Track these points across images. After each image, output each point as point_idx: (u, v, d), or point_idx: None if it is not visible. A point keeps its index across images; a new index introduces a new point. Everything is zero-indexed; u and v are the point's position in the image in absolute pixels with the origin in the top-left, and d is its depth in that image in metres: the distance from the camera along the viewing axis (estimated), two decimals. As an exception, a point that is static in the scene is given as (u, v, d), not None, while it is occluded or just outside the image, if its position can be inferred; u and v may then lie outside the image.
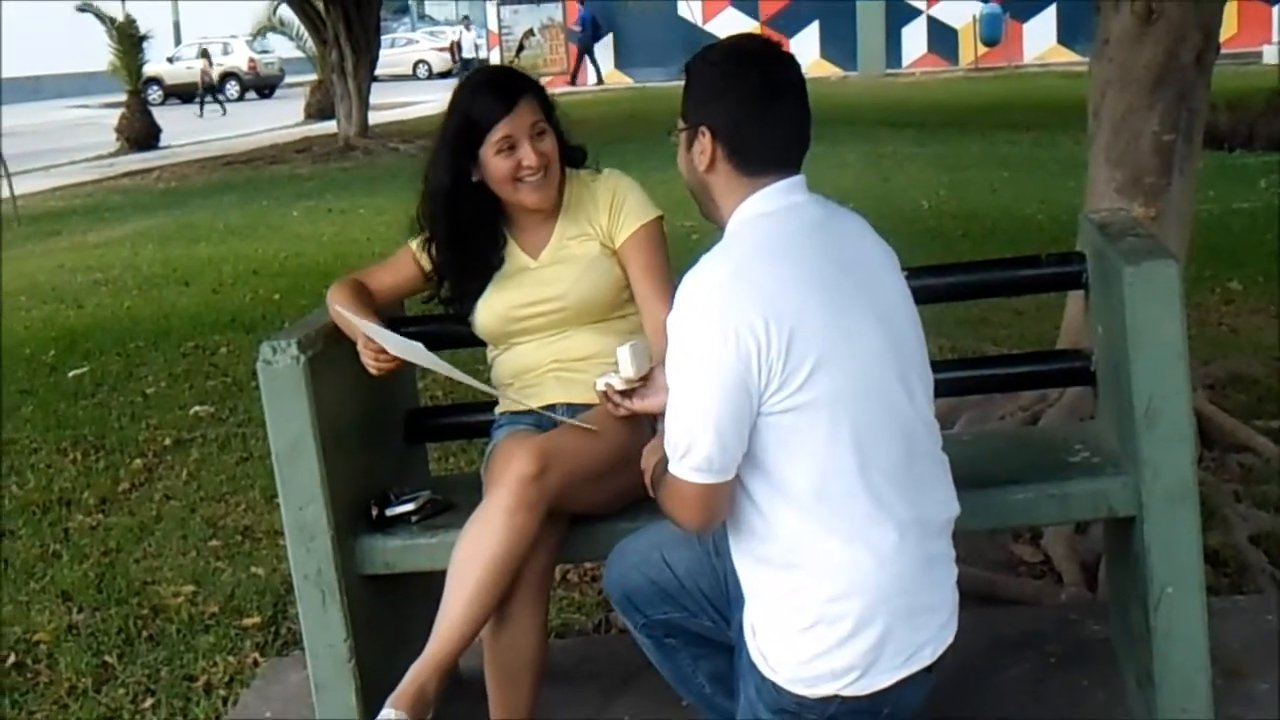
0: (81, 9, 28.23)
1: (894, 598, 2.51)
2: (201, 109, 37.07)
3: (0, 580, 5.01)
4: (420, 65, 48.60)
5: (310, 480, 3.12)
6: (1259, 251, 8.86)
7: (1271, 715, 3.30)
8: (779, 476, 2.50)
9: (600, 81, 36.75)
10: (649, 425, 3.13)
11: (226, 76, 44.93)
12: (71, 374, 8.08)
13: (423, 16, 62.92)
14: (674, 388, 2.51)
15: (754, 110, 2.56)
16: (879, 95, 26.28)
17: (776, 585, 2.55)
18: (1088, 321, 3.61)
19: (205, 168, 22.26)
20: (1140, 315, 2.95)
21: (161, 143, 27.96)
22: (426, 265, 3.44)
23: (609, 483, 3.15)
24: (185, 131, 30.01)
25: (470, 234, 3.38)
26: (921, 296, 2.73)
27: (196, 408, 7.09)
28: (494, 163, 3.26)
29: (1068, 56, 32.60)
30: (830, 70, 34.03)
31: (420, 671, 2.89)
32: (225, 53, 45.05)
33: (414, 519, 3.29)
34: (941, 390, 2.74)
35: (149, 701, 4.02)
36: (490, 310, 3.39)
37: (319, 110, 30.56)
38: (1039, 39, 34.92)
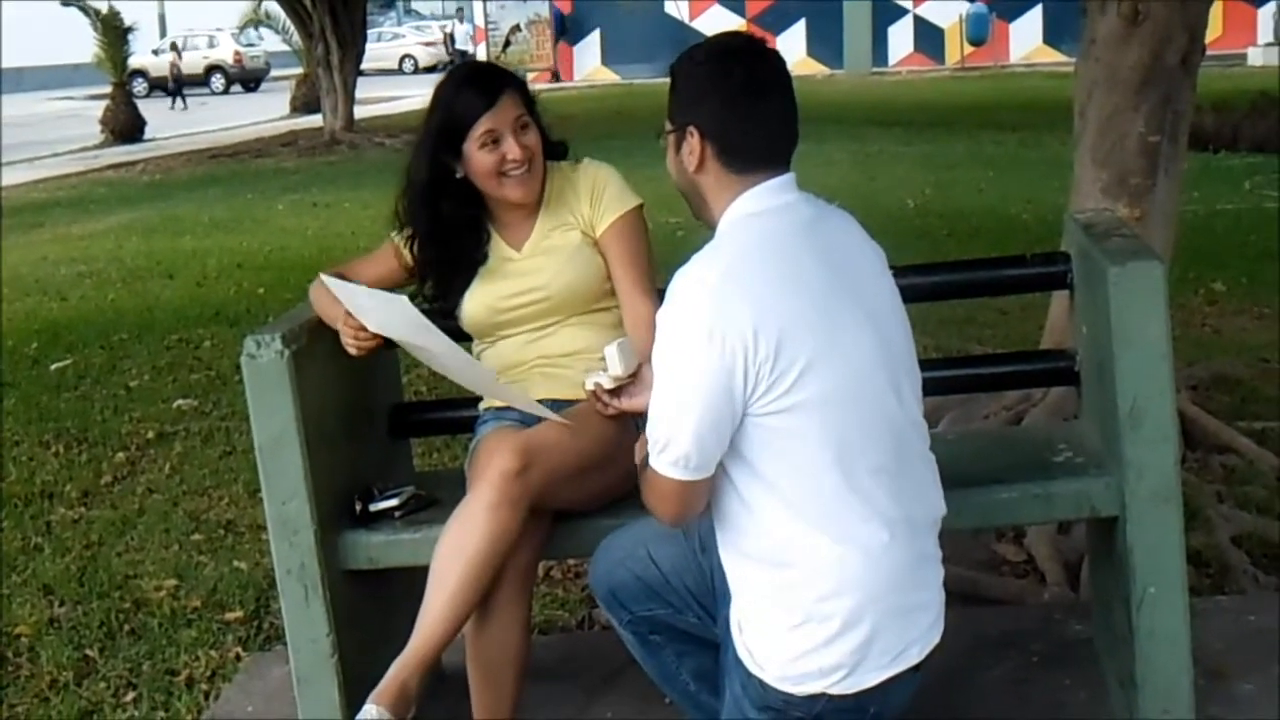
0: (66, 2, 28.14)
1: (883, 597, 2.52)
2: (173, 103, 36.92)
3: (-19, 573, 5.00)
4: (406, 60, 48.59)
5: (294, 475, 3.12)
6: (1243, 253, 8.90)
7: (1253, 716, 3.31)
8: (769, 476, 2.50)
9: (556, 79, 36.77)
10: (633, 422, 3.13)
11: (212, 69, 44.86)
12: (54, 367, 8.05)
13: (409, 11, 62.90)
14: (658, 382, 2.52)
15: (741, 108, 2.56)
16: (865, 94, 26.32)
17: (765, 583, 2.55)
18: (1072, 321, 3.61)
19: (190, 160, 22.21)
20: (1125, 316, 2.95)
21: (146, 135, 27.87)
22: (409, 260, 3.44)
23: (592, 479, 3.15)
24: (170, 124, 29.94)
25: (453, 229, 3.38)
26: (907, 295, 2.72)
27: (180, 401, 7.08)
28: (478, 157, 3.26)
29: (1054, 57, 32.70)
30: (816, 69, 34.08)
31: (402, 668, 2.88)
32: (211, 46, 44.98)
33: (397, 514, 3.28)
34: (926, 389, 2.74)
35: (130, 695, 4.01)
36: (475, 303, 3.39)
37: (304, 104, 30.50)
38: (1025, 39, 35.02)
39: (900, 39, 36.04)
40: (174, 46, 40.19)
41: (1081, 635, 3.75)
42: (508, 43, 37.70)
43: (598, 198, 3.36)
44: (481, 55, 36.27)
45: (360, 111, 24.97)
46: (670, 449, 2.49)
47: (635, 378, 2.95)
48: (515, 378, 3.39)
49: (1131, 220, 4.59)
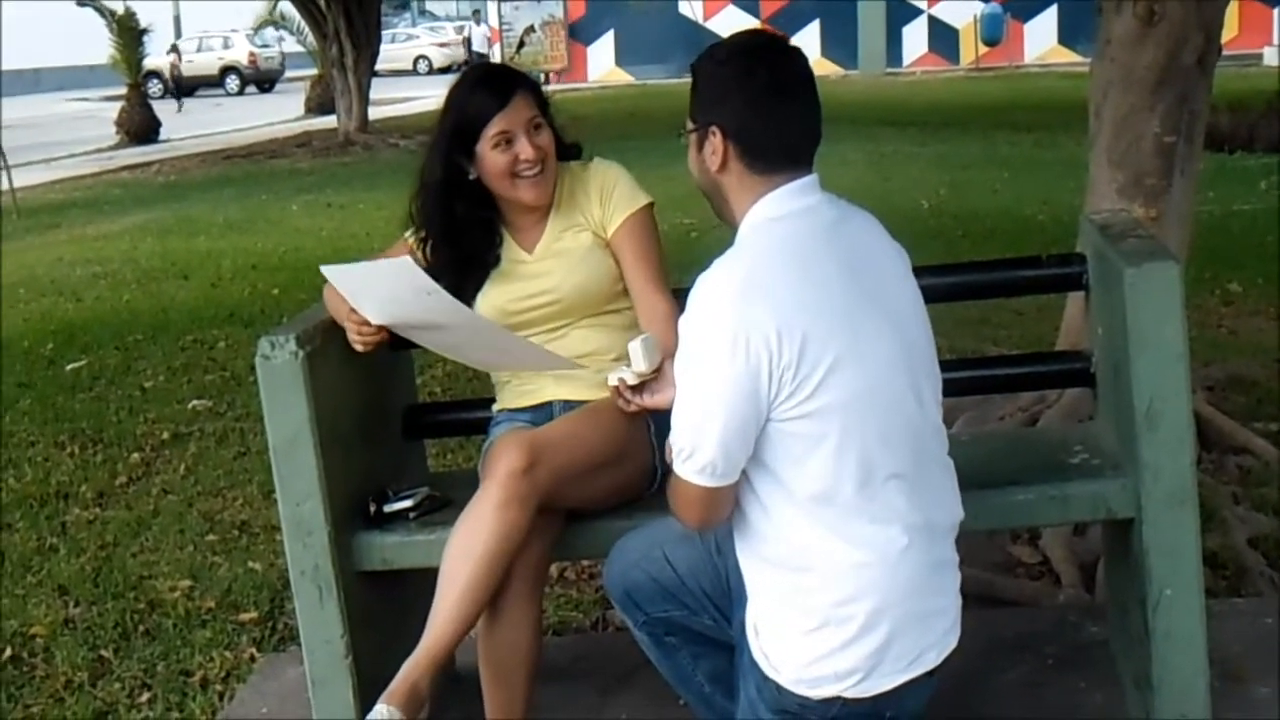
0: (82, 3, 28.20)
1: (900, 602, 2.51)
2: (179, 105, 36.95)
3: (-3, 573, 5.01)
4: (420, 61, 48.60)
5: (308, 476, 3.12)
6: (1259, 254, 8.86)
7: (1270, 718, 3.29)
8: (788, 480, 2.49)
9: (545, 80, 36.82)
10: (644, 420, 3.12)
11: (227, 70, 44.94)
12: (69, 367, 8.07)
13: (423, 12, 62.94)
14: (681, 390, 2.51)
15: (765, 108, 2.54)
16: (880, 94, 26.29)
17: (782, 586, 2.55)
18: (1088, 323, 3.60)
19: (205, 162, 22.26)
20: (1141, 317, 2.94)
21: (161, 136, 27.94)
22: (423, 261, 3.43)
23: (603, 477, 3.14)
24: (185, 125, 30.00)
25: (465, 231, 3.37)
26: (922, 296, 2.72)
27: (194, 402, 7.09)
28: (491, 157, 3.25)
29: (1068, 57, 32.64)
30: (831, 69, 34.05)
31: (413, 668, 2.88)
32: (226, 47, 45.07)
33: (411, 515, 3.28)
34: (941, 391, 2.73)
35: (145, 696, 4.02)
36: (487, 306, 3.38)
37: (319, 105, 30.56)
38: (1040, 39, 34.98)
39: (915, 39, 36.01)
40: (174, 49, 40.11)
41: (1097, 637, 3.74)
42: (522, 44, 37.74)
43: (607, 197, 3.35)
44: (496, 56, 36.30)
45: (375, 112, 25.00)
46: (696, 456, 2.48)
47: (658, 374, 2.93)
48: (527, 380, 3.39)
49: (1147, 221, 4.58)
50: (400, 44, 48.55)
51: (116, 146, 26.83)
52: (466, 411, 3.86)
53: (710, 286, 2.49)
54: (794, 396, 2.42)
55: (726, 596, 2.80)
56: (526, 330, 3.37)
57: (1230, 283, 8.06)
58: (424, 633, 2.93)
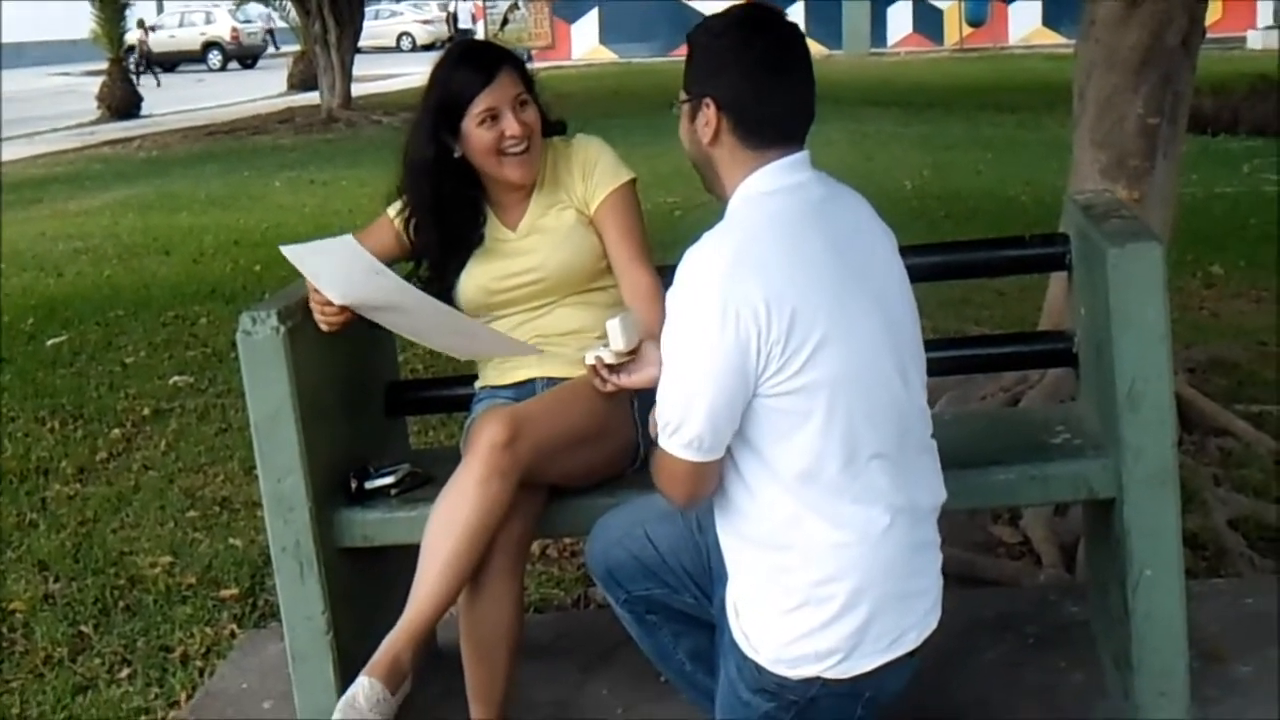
0: (64, -24, 28.09)
1: (881, 582, 2.51)
2: (157, 81, 36.65)
3: (-24, 549, 5.00)
4: (404, 37, 48.51)
5: (289, 452, 3.11)
6: (1241, 236, 8.90)
7: (1249, 698, 3.31)
8: (771, 458, 2.48)
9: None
10: (627, 396, 3.11)
11: (209, 46, 44.76)
12: (50, 342, 8.05)
13: (407, -11, 62.69)
14: (669, 363, 2.49)
15: (760, 82, 2.53)
16: (864, 75, 26.27)
17: (763, 565, 2.55)
18: (1070, 303, 3.61)
19: (187, 137, 22.20)
20: (1124, 297, 2.94)
21: (143, 112, 27.84)
22: (406, 239, 3.42)
23: (584, 452, 3.13)
24: (167, 101, 29.88)
25: (450, 210, 3.36)
26: (908, 277, 2.71)
27: (176, 378, 7.07)
28: (476, 134, 3.24)
29: (1053, 38, 32.67)
30: (815, 49, 33.66)
31: (395, 641, 2.88)
32: (208, 22, 44.89)
33: (393, 492, 3.28)
34: (924, 370, 2.73)
35: (125, 672, 4.01)
36: (471, 283, 3.37)
37: (302, 81, 30.46)
38: (1024, 20, 35.00)
39: (899, 20, 36.01)
40: (141, 24, 39.73)
41: (1077, 617, 3.75)
42: (505, 20, 37.62)
43: (590, 173, 3.34)
44: (480, 33, 36.18)
45: (358, 89, 24.94)
46: (683, 430, 2.47)
47: (636, 353, 2.88)
48: (509, 358, 3.38)
49: (1130, 202, 4.58)
50: (383, 20, 48.40)
51: (98, 121, 26.74)
52: (448, 388, 3.85)
53: (700, 259, 2.47)
54: (781, 372, 2.41)
55: (707, 575, 2.80)
56: (510, 309, 3.36)
57: (1212, 265, 8.09)
58: (406, 606, 2.93)
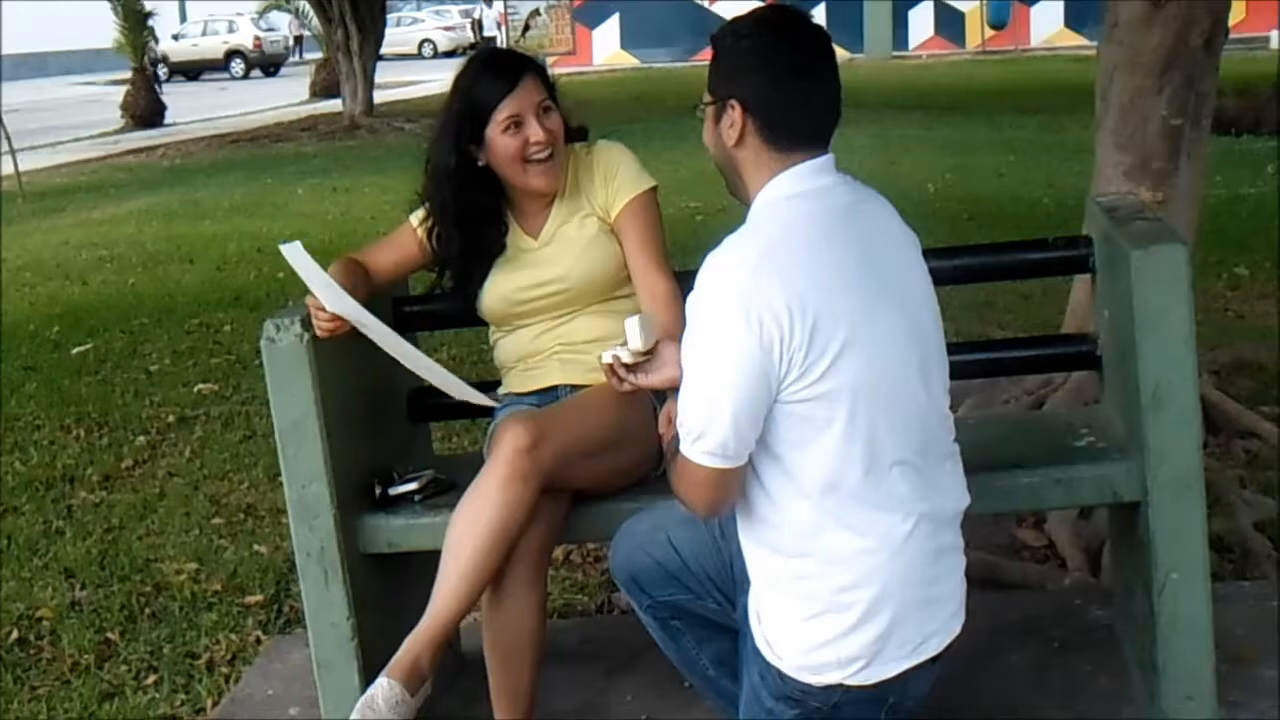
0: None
1: (903, 589, 2.50)
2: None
3: (3, 556, 5.01)
4: (425, 44, 48.56)
5: (313, 458, 3.12)
6: (1265, 237, 8.84)
7: (1275, 701, 3.29)
8: (793, 465, 2.47)
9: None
10: (649, 401, 3.12)
11: (232, 54, 44.90)
12: (75, 351, 8.08)
13: (428, -4, 62.79)
14: (691, 369, 2.47)
15: (787, 83, 2.51)
16: (885, 78, 26.20)
17: (785, 572, 2.54)
18: (1094, 306, 3.59)
19: (210, 145, 22.26)
20: (1148, 299, 2.94)
21: (167, 120, 27.92)
22: (429, 249, 3.42)
23: (607, 459, 3.14)
24: (191, 109, 29.97)
25: (473, 218, 3.35)
26: (932, 282, 2.71)
27: (200, 385, 7.10)
28: (500, 141, 3.24)
29: (1075, 40, 32.55)
30: (837, 52, 33.78)
31: (415, 643, 2.89)
32: (231, 30, 45.03)
33: (417, 498, 3.28)
34: (947, 374, 2.73)
35: (151, 678, 4.02)
36: (494, 293, 3.37)
37: (324, 89, 30.52)
38: (1046, 22, 34.88)
39: (921, 23, 35.91)
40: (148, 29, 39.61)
41: (1102, 620, 3.74)
42: (527, 26, 37.65)
43: (611, 179, 3.33)
44: (502, 40, 36.24)
45: (379, 96, 25.00)
46: (707, 437, 2.44)
47: (653, 353, 2.83)
48: (533, 365, 3.39)
49: (1154, 204, 4.57)
50: (405, 28, 48.47)
51: (122, 130, 26.82)
52: (472, 395, 3.85)
53: (722, 262, 2.45)
54: (803, 378, 2.40)
55: (730, 581, 2.80)
56: (532, 318, 3.36)
57: (1236, 266, 8.05)
58: (427, 608, 2.93)
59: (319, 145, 20.96)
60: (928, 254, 2.72)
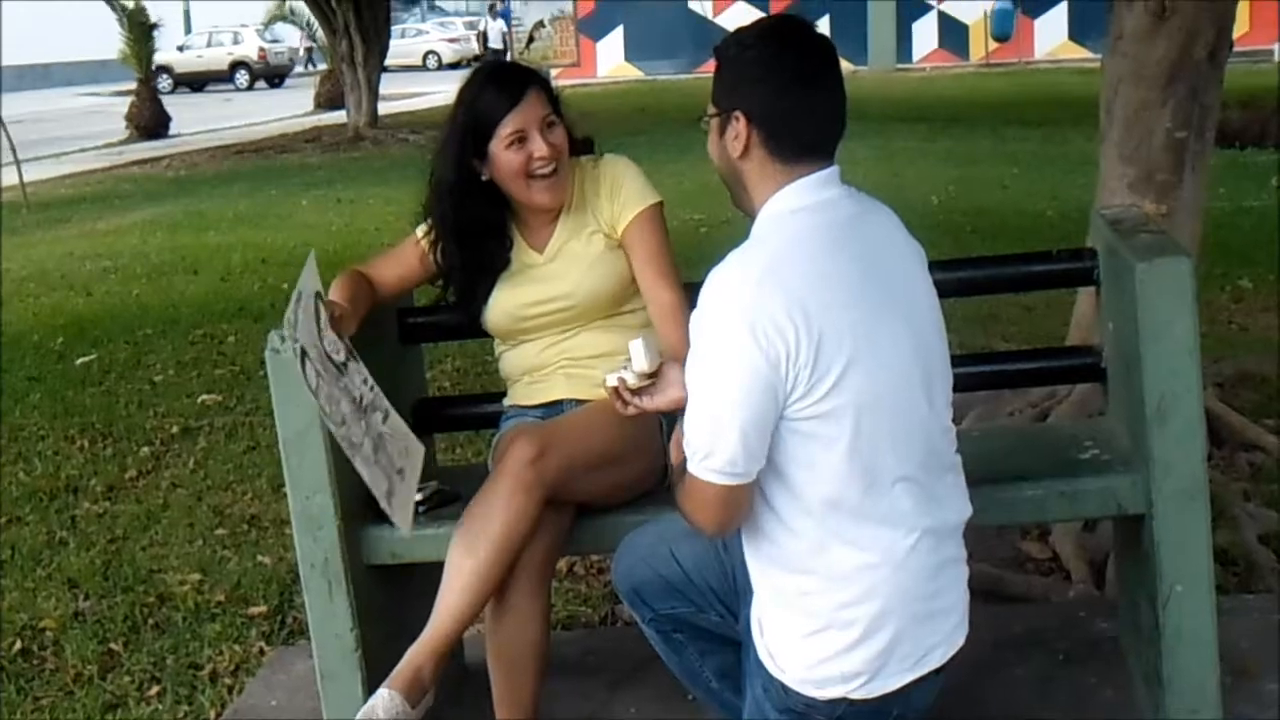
0: (92, -3, 28.24)
1: (906, 604, 2.50)
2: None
3: (6, 567, 5.02)
4: (430, 56, 48.57)
5: (317, 469, 3.12)
6: (1269, 250, 8.83)
7: (1279, 714, 3.29)
8: (796, 481, 2.46)
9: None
10: (654, 416, 3.10)
11: (236, 65, 44.97)
12: (79, 361, 8.08)
13: (433, 8, 62.78)
14: (697, 387, 2.46)
15: (793, 94, 2.50)
16: (889, 90, 26.22)
17: (788, 588, 2.53)
18: (1098, 318, 3.59)
19: (215, 156, 22.28)
20: (1152, 312, 2.94)
21: (171, 131, 27.95)
22: (433, 263, 3.41)
23: (611, 472, 3.13)
24: (195, 120, 30.01)
25: (476, 233, 3.34)
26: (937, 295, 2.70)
27: (204, 396, 7.10)
28: (504, 157, 3.22)
29: (1079, 53, 32.56)
30: (841, 65, 33.93)
31: (417, 654, 2.89)
32: (236, 42, 45.10)
33: (421, 509, 3.27)
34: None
35: (155, 689, 4.02)
36: (499, 308, 3.37)
37: (328, 100, 30.54)
38: (1050, 35, 34.89)
39: (925, 35, 35.93)
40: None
41: (1107, 633, 3.74)
42: (531, 39, 37.67)
43: (616, 195, 3.32)
44: (508, 53, 36.28)
45: (384, 107, 25.01)
46: (716, 454, 2.42)
47: (658, 375, 2.78)
48: (538, 379, 3.38)
49: (1158, 216, 4.57)
50: (410, 39, 48.49)
51: (126, 141, 26.84)
52: (476, 406, 3.86)
53: (726, 278, 2.44)
54: (809, 396, 2.39)
55: (733, 593, 2.79)
56: (537, 333, 3.36)
57: (1240, 279, 8.04)
58: (430, 619, 2.93)
59: (324, 156, 20.99)
60: (932, 266, 2.72)
